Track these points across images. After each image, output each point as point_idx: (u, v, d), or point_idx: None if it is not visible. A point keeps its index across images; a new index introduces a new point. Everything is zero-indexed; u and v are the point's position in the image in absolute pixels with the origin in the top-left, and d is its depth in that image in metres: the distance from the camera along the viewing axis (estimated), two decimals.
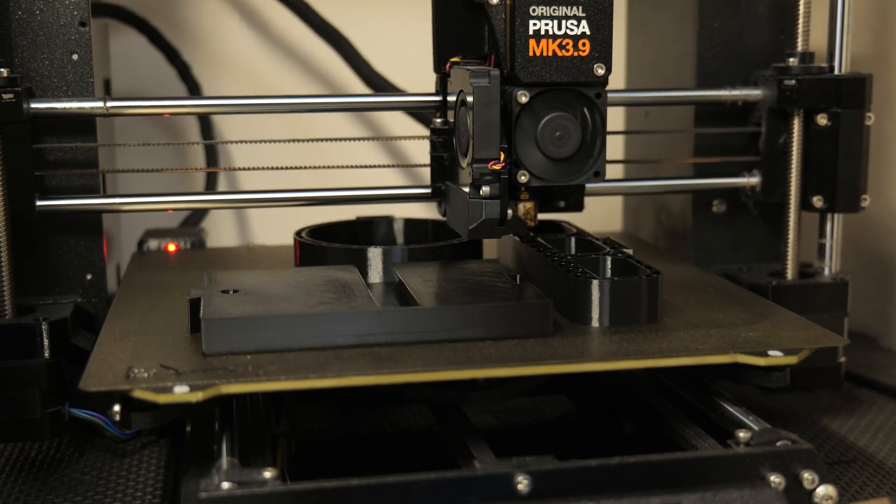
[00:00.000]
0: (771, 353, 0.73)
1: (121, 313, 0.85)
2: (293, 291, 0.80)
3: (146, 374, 0.69)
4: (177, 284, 0.92)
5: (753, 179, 1.00)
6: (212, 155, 1.27)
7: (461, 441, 0.76)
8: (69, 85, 0.92)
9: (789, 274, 0.98)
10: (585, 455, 0.67)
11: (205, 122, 1.27)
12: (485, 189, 0.79)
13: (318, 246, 0.93)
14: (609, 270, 0.86)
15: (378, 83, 1.25)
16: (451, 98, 0.88)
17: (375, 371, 0.69)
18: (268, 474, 0.63)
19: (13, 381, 0.85)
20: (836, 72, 0.97)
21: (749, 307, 0.85)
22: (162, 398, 0.66)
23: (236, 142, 1.13)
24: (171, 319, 0.81)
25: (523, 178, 0.81)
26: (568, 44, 0.80)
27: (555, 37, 0.80)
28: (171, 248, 1.08)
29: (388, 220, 1.03)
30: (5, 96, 0.85)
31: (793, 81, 0.95)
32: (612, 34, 0.80)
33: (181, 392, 0.66)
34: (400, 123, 1.30)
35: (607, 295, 0.79)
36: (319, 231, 0.99)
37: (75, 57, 0.92)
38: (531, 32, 0.80)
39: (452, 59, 0.86)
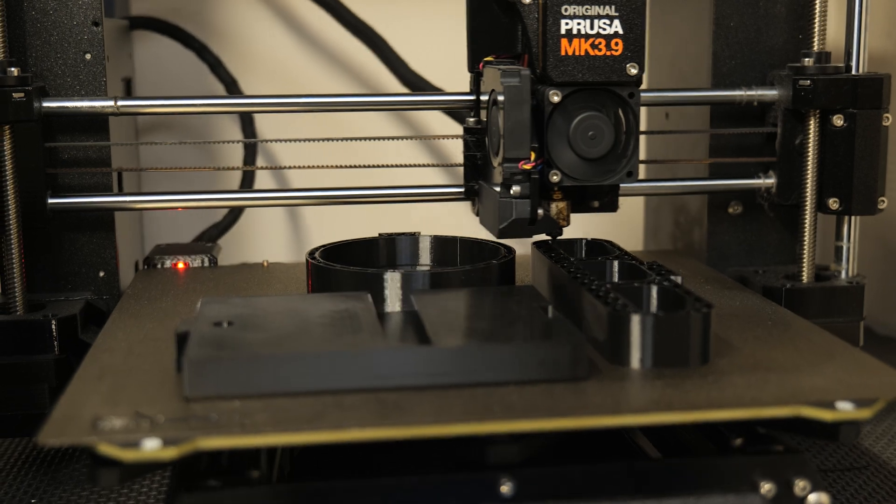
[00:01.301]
0: (839, 404, 0.63)
1: (106, 345, 0.77)
2: (293, 325, 0.72)
3: (116, 424, 0.61)
4: (176, 310, 0.86)
5: (769, 181, 0.99)
6: (250, 154, 1.27)
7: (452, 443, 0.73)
8: (82, 84, 0.93)
9: (805, 277, 0.97)
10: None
11: (246, 120, 1.27)
12: (515, 188, 0.79)
13: (331, 269, 0.85)
14: (654, 301, 0.77)
15: (415, 82, 1.25)
16: (484, 97, 0.87)
17: (378, 423, 0.61)
18: (253, 474, 0.63)
19: (22, 377, 0.86)
20: (854, 72, 0.95)
21: (813, 345, 0.76)
22: (128, 455, 0.58)
23: (263, 140, 1.14)
24: (161, 354, 0.73)
25: (555, 177, 0.80)
26: (600, 43, 0.79)
27: (587, 36, 0.79)
28: (180, 265, 1.01)
29: (413, 238, 0.95)
30: (16, 95, 0.86)
31: (808, 81, 0.93)
32: (644, 33, 0.80)
33: (151, 448, 0.58)
34: (438, 122, 1.30)
35: (650, 332, 0.69)
36: (336, 250, 0.92)
37: (88, 56, 0.93)
38: (563, 32, 0.79)
39: (486, 59, 0.86)
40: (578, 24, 0.79)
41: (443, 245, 0.95)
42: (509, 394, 0.65)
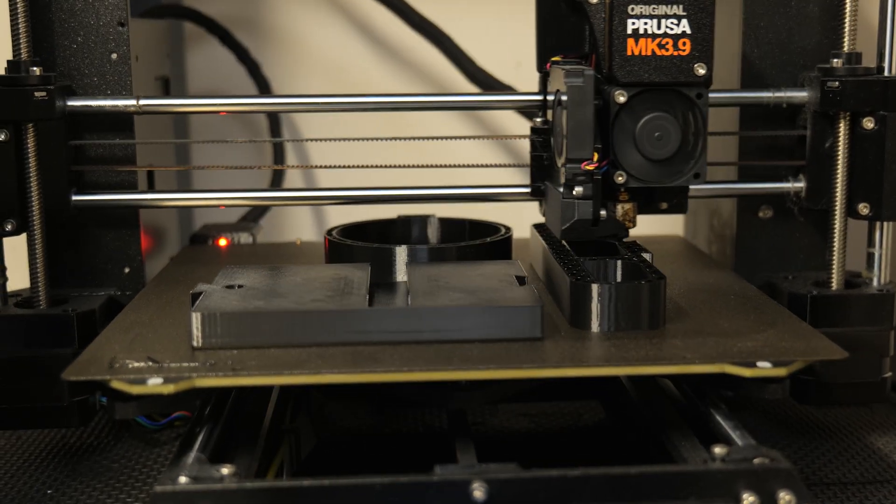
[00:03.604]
0: (760, 364, 0.70)
1: (139, 305, 0.88)
2: (295, 288, 0.80)
3: (130, 365, 0.71)
4: (208, 279, 0.92)
5: (798, 184, 0.96)
6: (279, 153, 1.28)
7: (451, 444, 0.75)
8: (108, 84, 0.95)
9: (834, 284, 0.94)
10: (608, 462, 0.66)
11: (273, 119, 1.28)
12: (578, 189, 0.79)
13: (345, 244, 0.93)
14: (619, 275, 0.84)
15: (484, 80, 1.24)
16: (551, 97, 0.87)
17: (352, 370, 0.70)
18: (225, 471, 0.64)
19: (43, 370, 0.88)
20: (886, 73, 0.92)
21: (762, 316, 0.82)
22: (135, 389, 0.68)
23: (297, 140, 1.15)
24: (183, 314, 0.82)
25: (620, 178, 0.80)
26: (668, 43, 0.79)
27: (654, 36, 0.79)
28: (222, 242, 1.11)
29: (426, 220, 1.03)
30: (38, 94, 0.88)
31: (836, 83, 0.91)
32: (713, 33, 0.78)
33: (154, 384, 0.68)
34: (511, 121, 1.29)
35: (607, 300, 0.77)
36: (355, 228, 1.00)
37: (114, 56, 0.95)
38: (629, 31, 0.79)
39: (553, 59, 0.86)
40: (645, 23, 0.79)
41: (452, 226, 1.02)
42: (471, 349, 0.73)
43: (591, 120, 0.78)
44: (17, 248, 0.92)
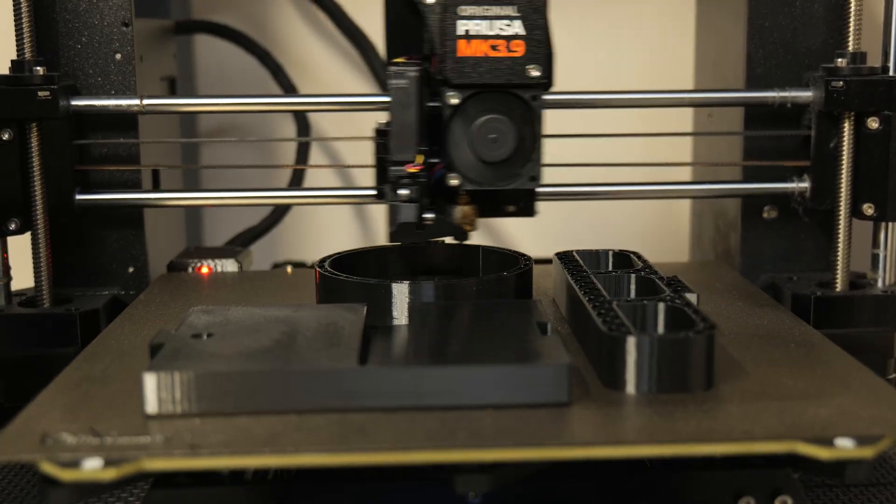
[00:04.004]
0: (838, 441, 0.58)
1: (94, 352, 0.76)
2: (272, 338, 0.69)
3: (68, 441, 0.59)
4: (178, 318, 0.79)
5: (803, 185, 0.96)
6: (303, 153, 1.27)
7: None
8: (112, 83, 0.95)
9: (839, 285, 0.94)
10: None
11: (301, 120, 1.28)
12: (402, 192, 0.77)
13: (337, 279, 0.81)
14: (661, 321, 0.73)
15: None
16: None
17: (336, 448, 0.58)
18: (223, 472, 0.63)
19: (46, 369, 0.87)
20: (891, 73, 0.92)
21: (831, 371, 0.70)
22: (67, 474, 0.56)
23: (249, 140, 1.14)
24: (142, 365, 0.66)
25: (454, 181, 0.79)
26: (500, 44, 0.78)
27: (486, 37, 0.78)
28: (204, 270, 1.01)
29: (434, 247, 0.91)
30: (41, 94, 0.88)
31: (840, 83, 0.90)
32: (548, 35, 0.77)
33: (91, 468, 0.56)
34: None
35: (646, 355, 0.65)
36: (351, 257, 0.89)
37: (118, 56, 0.95)
38: (461, 32, 0.78)
39: (395, 60, 0.84)
40: (477, 24, 0.78)
41: (464, 254, 0.90)
42: (481, 418, 0.61)
43: (415, 121, 0.77)
44: (24, 247, 0.93)
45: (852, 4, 0.91)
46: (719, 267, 1.02)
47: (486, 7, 0.78)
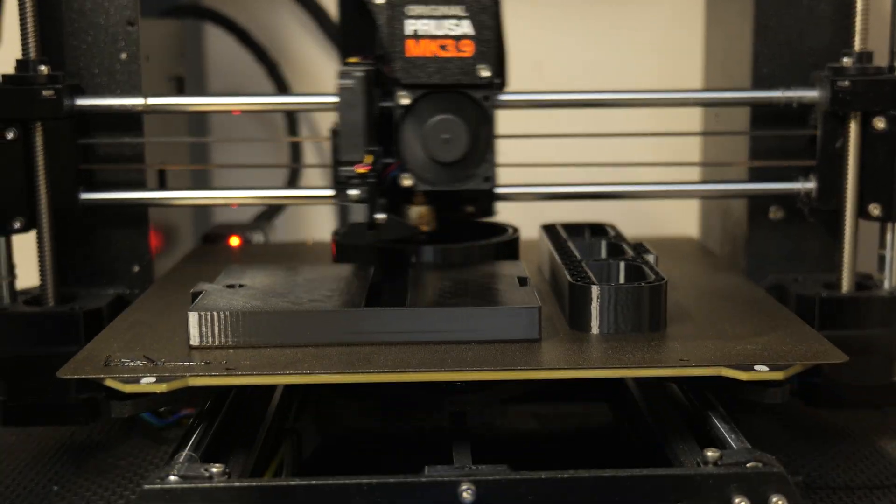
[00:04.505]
0: (757, 367, 0.69)
1: (142, 304, 0.89)
2: (294, 288, 0.80)
3: (126, 364, 0.71)
4: (214, 278, 0.92)
5: (808, 185, 0.95)
6: (297, 151, 1.29)
7: (440, 445, 0.75)
8: (117, 83, 0.95)
9: (844, 286, 0.93)
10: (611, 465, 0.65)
11: (291, 119, 1.29)
12: (352, 192, 0.77)
13: (351, 245, 0.92)
14: (621, 276, 0.84)
15: None
16: None
17: (344, 370, 0.70)
18: (214, 469, 0.64)
19: (50, 367, 0.88)
20: None
21: (766, 320, 0.82)
22: (128, 388, 0.68)
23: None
24: (185, 312, 0.82)
25: (407, 181, 0.79)
26: (449, 44, 0.78)
27: (434, 37, 0.78)
28: (234, 241, 1.11)
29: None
30: (45, 93, 0.88)
31: (846, 82, 0.90)
32: (499, 35, 0.77)
33: (147, 383, 0.68)
34: None
35: (606, 302, 0.77)
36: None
37: (124, 56, 0.95)
38: (409, 32, 0.78)
39: (349, 60, 0.84)
40: (425, 24, 0.78)
41: (462, 227, 0.97)
42: (466, 351, 0.73)
43: (362, 121, 0.77)
44: (32, 247, 0.93)
45: (858, 3, 0.90)
46: (688, 242, 1.15)
47: (433, 7, 0.78)
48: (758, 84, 0.97)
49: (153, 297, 0.91)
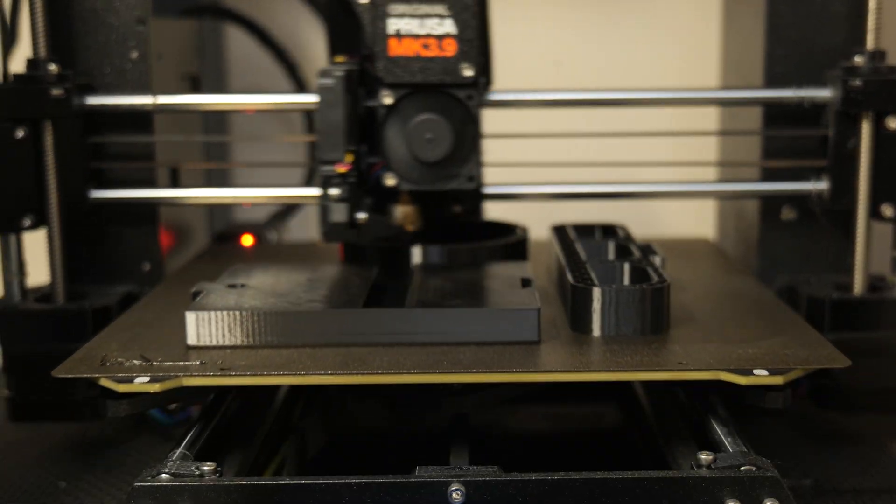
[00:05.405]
0: (756, 371, 0.68)
1: (147, 303, 0.89)
2: (295, 289, 0.80)
3: (122, 363, 0.71)
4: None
5: (821, 185, 0.94)
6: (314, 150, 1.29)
7: (445, 445, 0.75)
8: (128, 82, 0.96)
9: (857, 287, 0.92)
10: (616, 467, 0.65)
11: (310, 118, 1.28)
12: (333, 191, 0.77)
13: (358, 245, 0.91)
14: (626, 277, 0.83)
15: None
16: None
17: (339, 371, 0.69)
18: (205, 468, 0.64)
19: (57, 364, 0.88)
20: None
21: (771, 324, 0.80)
22: (122, 387, 0.68)
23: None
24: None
25: (391, 181, 0.79)
26: (431, 43, 0.77)
27: (417, 36, 0.78)
28: (247, 241, 1.11)
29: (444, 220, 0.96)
30: (54, 92, 0.89)
31: (858, 81, 0.89)
32: (483, 34, 0.77)
33: (140, 383, 0.68)
34: None
35: (608, 304, 0.76)
36: None
37: (134, 55, 0.96)
38: (392, 32, 0.78)
39: (336, 60, 0.84)
40: (407, 23, 0.78)
41: (471, 227, 0.97)
42: (464, 353, 0.72)
43: (342, 121, 0.77)
44: (43, 244, 0.94)
45: (871, 2, 0.89)
46: (704, 243, 1.12)
47: (416, 6, 0.78)
48: (771, 83, 0.96)
49: (157, 296, 0.91)
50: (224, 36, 1.32)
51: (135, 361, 0.71)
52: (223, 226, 1.21)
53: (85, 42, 0.95)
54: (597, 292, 0.76)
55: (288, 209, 1.24)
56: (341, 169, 0.77)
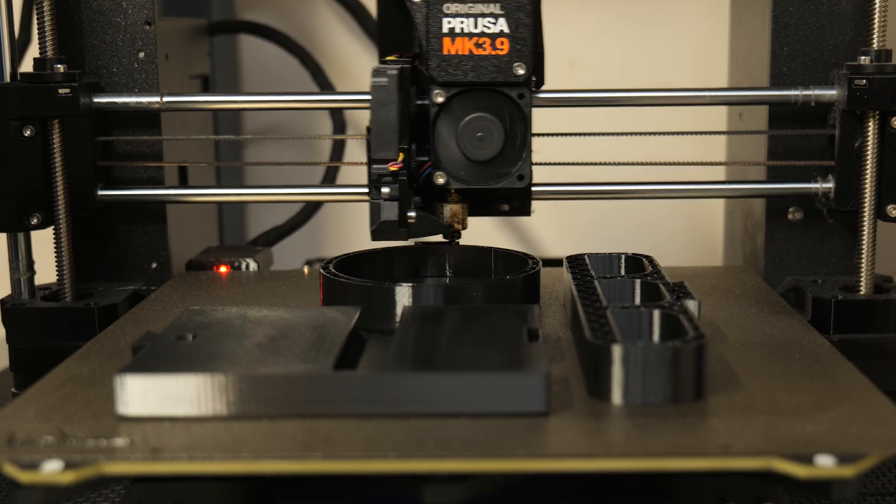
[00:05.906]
0: (818, 458, 0.55)
1: (89, 351, 0.77)
2: (257, 340, 0.69)
3: (35, 441, 0.59)
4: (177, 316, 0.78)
5: (827, 185, 0.94)
6: (337, 149, 1.28)
7: None
8: (135, 82, 0.97)
9: (863, 288, 0.91)
10: None
11: (337, 118, 1.28)
12: (384, 190, 0.76)
13: (339, 281, 0.81)
14: (656, 329, 0.70)
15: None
16: None
17: (298, 455, 0.57)
18: None
19: None
20: None
21: (832, 384, 0.67)
22: (26, 476, 0.55)
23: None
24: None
25: (441, 179, 0.78)
26: (485, 42, 0.77)
27: (471, 35, 0.77)
28: (222, 269, 1.02)
29: (444, 248, 0.90)
30: (62, 91, 0.90)
31: (864, 81, 0.88)
32: (534, 32, 0.77)
33: (50, 471, 0.55)
34: None
35: (630, 365, 0.63)
36: (361, 258, 0.89)
37: (142, 55, 0.96)
38: (445, 30, 0.78)
39: (387, 58, 0.84)
40: (462, 22, 0.78)
41: (475, 256, 0.90)
42: (454, 427, 0.60)
43: (395, 119, 0.76)
44: (51, 243, 0.94)
45: (877, 1, 0.89)
46: (744, 272, 0.99)
47: (470, 5, 0.78)
48: (777, 83, 0.96)
49: (107, 340, 0.79)
50: (237, 38, 1.33)
51: (49, 437, 0.59)
52: (241, 225, 1.21)
53: (93, 42, 0.96)
54: (618, 350, 0.63)
55: (277, 234, 1.22)
56: (394, 167, 0.76)
